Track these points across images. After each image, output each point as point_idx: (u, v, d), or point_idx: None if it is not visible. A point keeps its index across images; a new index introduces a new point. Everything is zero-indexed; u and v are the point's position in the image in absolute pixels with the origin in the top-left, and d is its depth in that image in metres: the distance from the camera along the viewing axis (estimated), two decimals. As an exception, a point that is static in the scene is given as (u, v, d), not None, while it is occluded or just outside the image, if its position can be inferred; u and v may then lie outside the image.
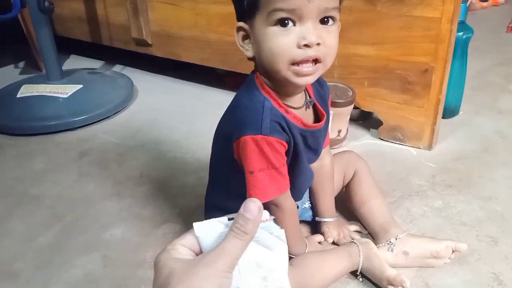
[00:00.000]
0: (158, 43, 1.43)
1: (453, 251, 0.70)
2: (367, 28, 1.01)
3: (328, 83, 0.74)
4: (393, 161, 1.03)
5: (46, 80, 1.39)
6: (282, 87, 0.62)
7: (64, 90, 1.34)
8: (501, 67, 1.50)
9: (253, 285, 0.39)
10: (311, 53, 0.55)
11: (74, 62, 1.75)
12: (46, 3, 1.26)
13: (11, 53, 1.83)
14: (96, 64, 1.71)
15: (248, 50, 0.60)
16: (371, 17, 1.00)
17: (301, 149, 0.65)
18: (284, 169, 0.63)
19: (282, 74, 0.57)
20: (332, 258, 0.70)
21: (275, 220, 0.40)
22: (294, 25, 0.55)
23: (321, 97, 0.70)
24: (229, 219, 0.40)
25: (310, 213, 0.81)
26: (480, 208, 0.85)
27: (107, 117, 1.30)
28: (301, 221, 0.82)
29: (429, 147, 1.05)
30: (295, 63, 0.56)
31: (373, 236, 0.76)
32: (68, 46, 1.70)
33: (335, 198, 0.81)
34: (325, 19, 0.56)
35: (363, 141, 1.12)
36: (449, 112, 1.17)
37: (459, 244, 0.69)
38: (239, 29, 0.60)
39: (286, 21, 0.54)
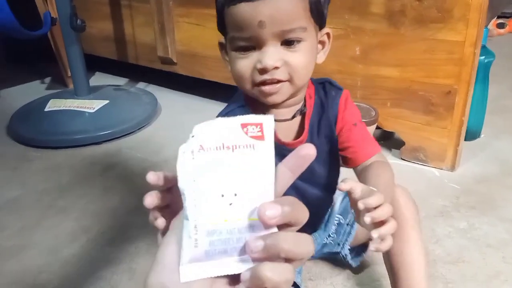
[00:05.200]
0: (183, 62, 1.47)
1: None
2: (391, 50, 1.03)
3: None
4: (416, 181, 1.03)
5: (74, 95, 1.44)
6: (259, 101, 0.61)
7: (91, 105, 1.38)
8: (520, 91, 1.50)
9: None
10: (267, 76, 0.55)
11: (99, 79, 1.80)
12: (79, 21, 1.31)
13: (37, 69, 1.89)
14: (121, 81, 1.76)
15: (228, 66, 0.62)
16: (395, 39, 1.02)
17: None
18: None
19: (250, 93, 0.59)
20: None
21: None
22: (255, 49, 0.55)
23: (322, 121, 0.64)
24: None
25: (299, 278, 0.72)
26: (506, 230, 0.85)
27: (131, 132, 1.33)
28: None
29: (452, 168, 1.05)
30: (256, 84, 0.57)
31: None
32: (93, 63, 1.75)
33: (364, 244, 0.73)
34: (290, 41, 0.55)
35: (384, 161, 1.13)
36: (471, 134, 1.17)
37: None
38: (221, 45, 0.62)
39: (246, 47, 0.56)
